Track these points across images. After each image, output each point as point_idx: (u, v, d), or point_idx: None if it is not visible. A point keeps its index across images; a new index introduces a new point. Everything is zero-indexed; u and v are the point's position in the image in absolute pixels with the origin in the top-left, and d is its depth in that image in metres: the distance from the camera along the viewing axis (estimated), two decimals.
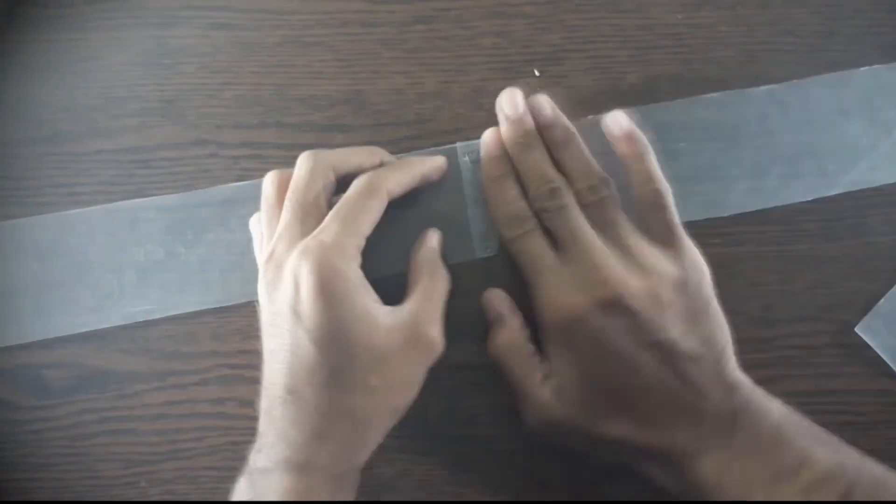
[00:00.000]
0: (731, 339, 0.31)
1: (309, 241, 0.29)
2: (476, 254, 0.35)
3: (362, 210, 0.30)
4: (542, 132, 0.34)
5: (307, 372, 0.28)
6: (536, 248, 0.32)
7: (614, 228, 0.31)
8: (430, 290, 0.32)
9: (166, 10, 0.38)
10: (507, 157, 0.34)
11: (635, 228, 0.32)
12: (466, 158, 0.35)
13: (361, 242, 0.30)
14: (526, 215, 0.33)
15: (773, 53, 0.37)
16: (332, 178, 0.31)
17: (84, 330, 0.36)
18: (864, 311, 0.35)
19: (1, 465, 0.35)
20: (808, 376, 0.35)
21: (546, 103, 0.34)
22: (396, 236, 0.34)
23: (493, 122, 0.36)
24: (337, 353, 0.28)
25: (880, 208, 0.36)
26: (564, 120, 0.34)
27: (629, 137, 0.33)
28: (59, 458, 0.35)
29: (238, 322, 0.36)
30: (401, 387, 0.30)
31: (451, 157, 0.35)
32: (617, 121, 0.33)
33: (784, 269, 0.35)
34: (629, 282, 0.29)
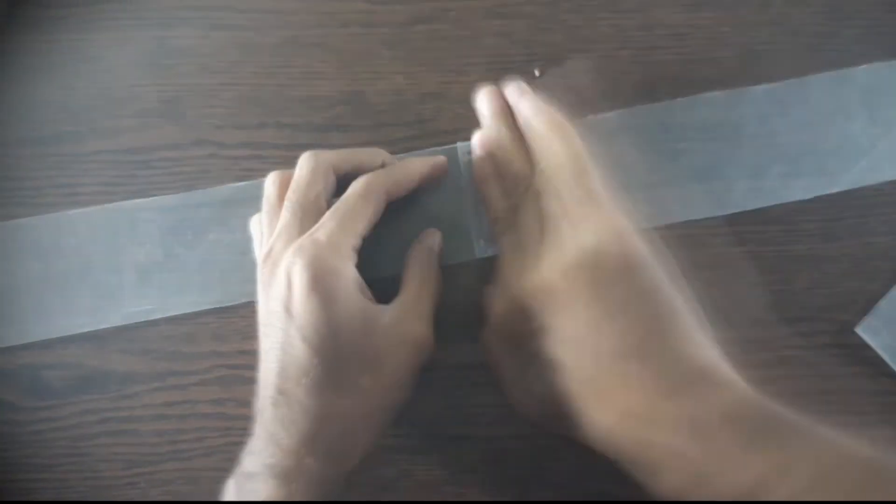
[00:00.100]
0: (700, 309, 0.28)
1: (303, 239, 0.29)
2: (476, 254, 0.35)
3: (359, 210, 0.30)
4: (519, 122, 0.33)
5: (299, 372, 0.27)
6: (502, 247, 0.32)
7: (568, 212, 0.29)
8: (420, 289, 0.32)
9: (166, 10, 0.38)
10: (491, 158, 0.34)
11: (593, 203, 0.29)
12: (466, 158, 0.35)
13: (357, 242, 0.30)
14: (505, 215, 0.33)
15: (774, 54, 0.37)
16: (332, 178, 0.31)
17: (84, 330, 0.36)
18: (864, 311, 0.35)
19: (2, 465, 0.35)
20: (809, 376, 0.35)
21: (519, 94, 0.33)
22: (396, 236, 0.34)
23: None
24: (329, 352, 0.27)
25: (880, 208, 0.36)
26: (539, 106, 0.33)
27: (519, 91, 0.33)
28: (59, 459, 0.35)
29: (238, 322, 0.36)
30: (392, 387, 0.30)
31: (451, 157, 0.35)
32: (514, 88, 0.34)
33: (784, 269, 0.35)
34: (568, 271, 0.28)
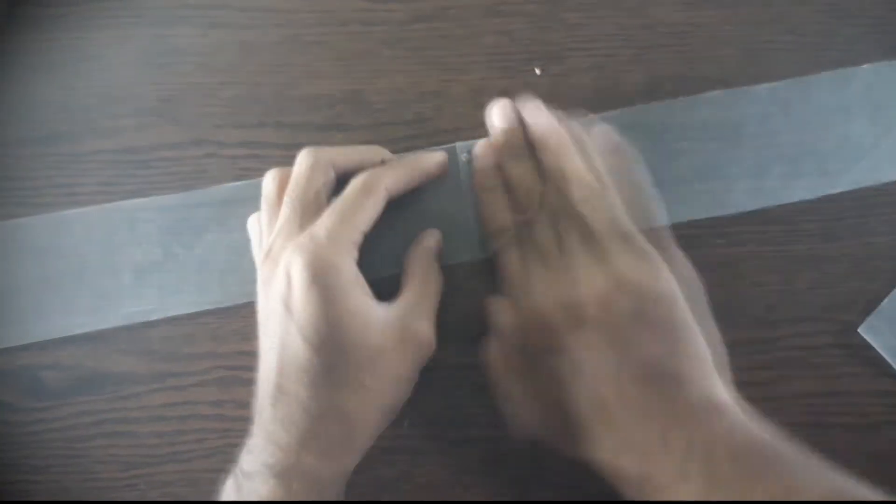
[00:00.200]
0: (724, 351, 0.29)
1: (303, 236, 0.28)
2: (477, 253, 0.35)
3: (359, 206, 0.30)
4: (533, 138, 0.33)
5: (298, 369, 0.27)
6: (510, 260, 0.32)
7: (596, 239, 0.30)
8: (422, 288, 0.31)
9: (165, 9, 0.38)
10: (496, 168, 0.34)
11: (624, 237, 0.30)
12: (465, 157, 0.35)
13: (358, 238, 0.29)
14: (507, 227, 0.32)
15: (775, 52, 0.37)
16: (332, 175, 0.31)
17: (82, 331, 0.35)
18: (866, 311, 0.35)
19: None
20: (810, 377, 0.35)
21: (536, 110, 0.33)
22: (397, 236, 0.33)
23: None
24: (329, 349, 0.27)
25: (881, 208, 0.36)
26: (555, 124, 0.33)
27: (616, 151, 0.32)
28: (57, 460, 0.35)
29: (237, 323, 0.36)
30: (393, 386, 0.29)
31: (450, 156, 0.35)
32: (606, 136, 0.33)
33: (785, 269, 0.35)
34: (601, 296, 0.28)
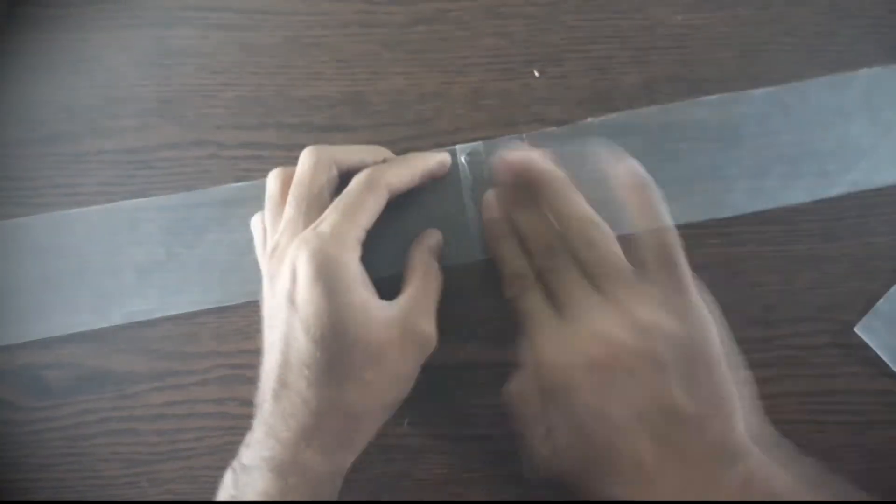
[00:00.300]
0: (751, 389, 0.29)
1: (308, 231, 0.29)
2: (476, 255, 0.35)
3: (362, 202, 0.30)
4: (537, 187, 0.32)
5: (300, 364, 0.27)
6: (532, 305, 0.31)
7: (613, 282, 0.30)
8: (424, 286, 0.31)
9: (166, 10, 0.38)
10: (506, 217, 0.33)
11: (638, 278, 0.30)
12: (466, 159, 0.35)
13: (361, 234, 0.30)
14: (524, 273, 0.32)
15: (774, 54, 0.37)
16: (335, 172, 0.31)
17: (84, 329, 0.36)
18: (864, 311, 0.35)
19: (1, 465, 0.35)
20: (808, 376, 0.35)
21: (538, 160, 0.32)
22: (397, 236, 0.34)
23: (493, 122, 0.36)
24: (332, 344, 0.27)
25: (880, 208, 0.36)
26: (557, 172, 0.32)
27: (642, 188, 0.31)
28: (59, 459, 0.35)
29: (238, 322, 0.36)
30: (394, 382, 0.29)
31: (451, 158, 0.35)
32: (631, 173, 0.31)
33: (784, 269, 0.35)
34: (626, 342, 0.28)
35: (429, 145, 0.36)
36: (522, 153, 0.33)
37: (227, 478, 0.28)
